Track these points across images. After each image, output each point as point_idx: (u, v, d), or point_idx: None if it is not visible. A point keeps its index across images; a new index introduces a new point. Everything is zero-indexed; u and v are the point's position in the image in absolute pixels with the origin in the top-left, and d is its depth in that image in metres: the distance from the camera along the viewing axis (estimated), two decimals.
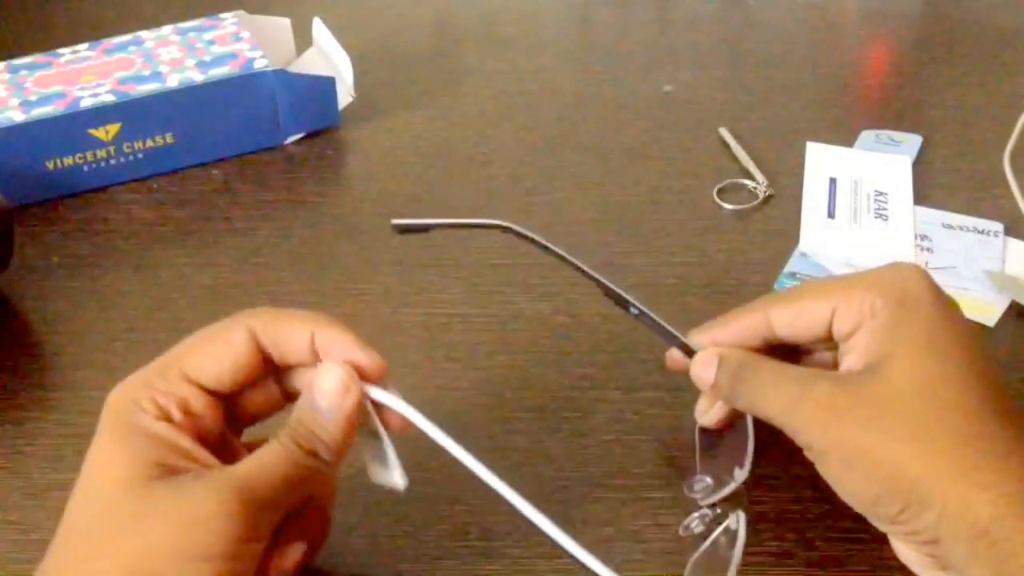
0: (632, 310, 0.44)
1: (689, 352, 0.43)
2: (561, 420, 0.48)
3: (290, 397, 0.40)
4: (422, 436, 0.47)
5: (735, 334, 0.42)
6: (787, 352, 0.43)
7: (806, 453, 0.39)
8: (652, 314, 0.43)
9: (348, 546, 0.43)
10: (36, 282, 0.56)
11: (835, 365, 0.42)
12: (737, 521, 0.39)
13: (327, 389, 0.37)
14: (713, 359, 0.42)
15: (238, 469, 0.35)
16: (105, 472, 0.35)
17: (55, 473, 0.46)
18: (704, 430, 0.44)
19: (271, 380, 0.40)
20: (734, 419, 0.43)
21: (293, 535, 0.37)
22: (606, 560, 0.36)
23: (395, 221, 0.41)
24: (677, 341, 0.43)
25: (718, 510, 0.41)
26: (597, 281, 0.43)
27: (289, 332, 0.38)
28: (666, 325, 0.43)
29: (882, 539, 0.41)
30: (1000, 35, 0.74)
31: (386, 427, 0.39)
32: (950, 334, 0.38)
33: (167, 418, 0.36)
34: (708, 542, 0.40)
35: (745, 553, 0.42)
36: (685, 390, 0.48)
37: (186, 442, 0.36)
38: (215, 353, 0.38)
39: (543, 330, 0.52)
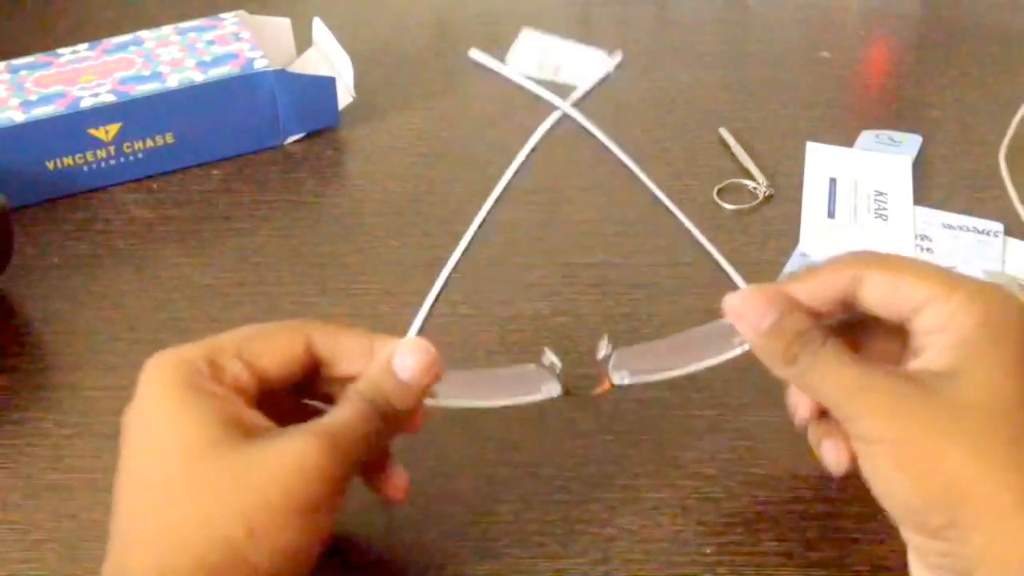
0: None
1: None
2: (561, 420, 0.48)
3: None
4: (422, 439, 0.47)
5: (815, 291, 0.39)
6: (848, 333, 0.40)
7: (854, 443, 0.37)
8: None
9: (348, 547, 0.43)
10: (36, 282, 0.56)
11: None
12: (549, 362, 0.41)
13: (411, 364, 0.38)
14: (774, 308, 0.38)
15: (324, 422, 0.36)
16: (180, 430, 0.35)
17: (55, 473, 0.46)
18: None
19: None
20: None
21: None
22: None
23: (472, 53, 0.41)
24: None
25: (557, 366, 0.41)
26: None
27: (349, 342, 0.39)
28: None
29: (882, 539, 0.41)
30: (1000, 35, 0.75)
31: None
32: None
33: (221, 384, 0.37)
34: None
35: (745, 553, 0.42)
36: (685, 390, 0.49)
37: (247, 407, 0.36)
38: (274, 345, 0.38)
39: (543, 330, 0.52)
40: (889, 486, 0.35)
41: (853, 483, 0.43)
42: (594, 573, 0.41)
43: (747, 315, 0.39)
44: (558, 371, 0.41)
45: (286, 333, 0.39)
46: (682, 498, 0.44)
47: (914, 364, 0.37)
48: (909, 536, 0.36)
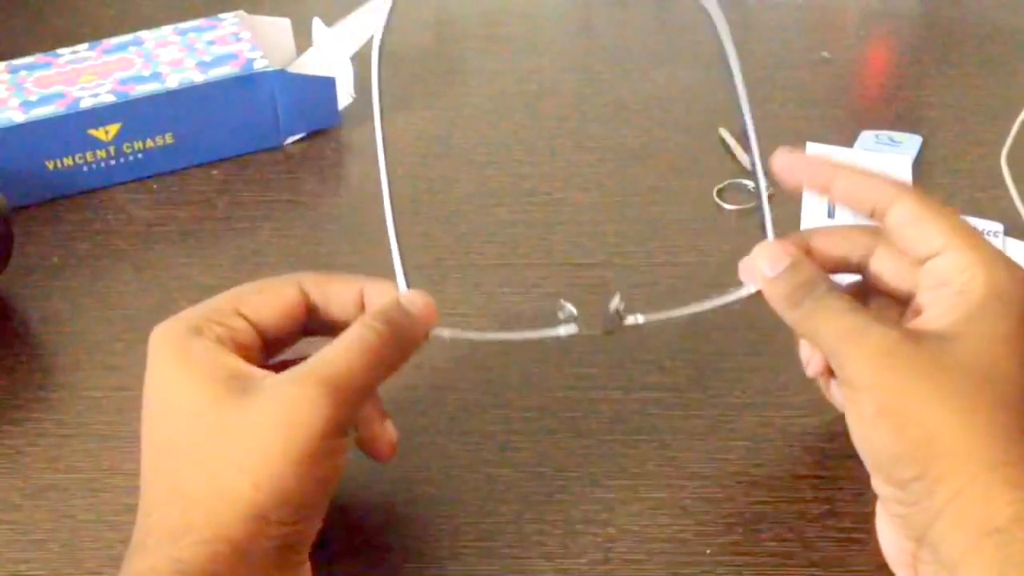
0: None
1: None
2: (561, 420, 0.48)
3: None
4: (421, 438, 0.47)
5: (837, 235, 0.42)
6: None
7: (842, 387, 0.38)
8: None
9: (347, 547, 0.43)
10: (36, 282, 0.56)
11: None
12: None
13: (418, 301, 0.40)
14: (787, 256, 0.40)
15: (320, 366, 0.36)
16: (183, 395, 0.36)
17: (55, 473, 0.46)
18: None
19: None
20: None
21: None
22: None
23: None
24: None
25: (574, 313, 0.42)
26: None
27: (339, 287, 0.41)
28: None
29: None
30: (1000, 35, 0.75)
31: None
32: None
33: (222, 344, 0.38)
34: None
35: (745, 554, 0.42)
36: (685, 390, 0.49)
37: (246, 361, 0.38)
38: (268, 299, 0.40)
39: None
40: (868, 432, 0.36)
41: (853, 483, 0.43)
42: (594, 573, 0.41)
43: (761, 262, 0.41)
44: (575, 317, 0.42)
45: (279, 284, 0.40)
46: (682, 498, 0.44)
47: (913, 322, 0.38)
48: (878, 485, 0.37)
